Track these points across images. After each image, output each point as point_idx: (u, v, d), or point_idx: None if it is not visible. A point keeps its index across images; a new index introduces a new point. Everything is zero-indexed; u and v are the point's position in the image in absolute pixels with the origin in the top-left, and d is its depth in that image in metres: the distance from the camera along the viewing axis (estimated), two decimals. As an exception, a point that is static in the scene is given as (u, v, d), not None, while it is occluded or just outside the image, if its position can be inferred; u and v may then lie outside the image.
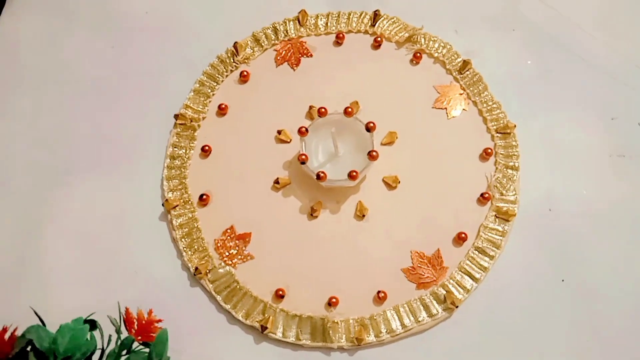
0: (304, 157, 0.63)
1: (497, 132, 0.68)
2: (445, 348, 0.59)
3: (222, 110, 0.71)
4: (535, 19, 0.75)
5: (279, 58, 0.74)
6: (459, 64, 0.72)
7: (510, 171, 0.66)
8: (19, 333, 0.46)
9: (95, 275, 0.63)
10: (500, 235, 0.64)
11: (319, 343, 0.60)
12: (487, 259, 0.63)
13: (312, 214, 0.65)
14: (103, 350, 0.50)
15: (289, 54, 0.74)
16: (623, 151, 0.67)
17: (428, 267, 0.62)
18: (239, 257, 0.64)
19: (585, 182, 0.66)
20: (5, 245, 0.65)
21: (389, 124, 0.68)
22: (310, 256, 0.63)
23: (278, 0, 0.78)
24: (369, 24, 0.75)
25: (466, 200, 0.65)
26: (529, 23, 0.75)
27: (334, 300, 0.61)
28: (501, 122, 0.69)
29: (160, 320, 0.51)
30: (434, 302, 0.61)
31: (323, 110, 0.65)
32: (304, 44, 0.74)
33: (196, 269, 0.62)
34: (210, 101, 0.72)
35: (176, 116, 0.70)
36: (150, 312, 0.52)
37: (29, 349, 0.45)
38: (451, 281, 0.62)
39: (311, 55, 0.74)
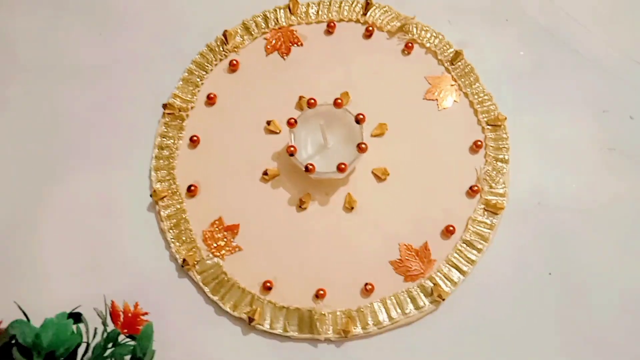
0: (292, 149, 0.62)
1: (488, 124, 0.68)
2: (431, 340, 0.60)
3: (211, 100, 0.70)
4: (530, 10, 0.74)
5: (269, 47, 0.73)
6: (451, 55, 0.71)
7: (500, 164, 0.66)
8: (4, 327, 0.47)
9: (82, 266, 0.63)
10: (489, 229, 0.64)
11: (306, 335, 0.60)
12: (475, 252, 0.63)
13: (301, 205, 0.65)
14: (89, 344, 0.50)
15: (279, 43, 0.73)
16: (614, 145, 0.67)
17: (416, 259, 0.63)
18: (227, 248, 0.64)
19: (575, 175, 0.66)
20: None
21: (379, 115, 0.68)
22: (298, 248, 0.63)
23: (269, -12, 0.76)
24: (361, 12, 0.74)
25: (455, 193, 0.65)
26: (523, 14, 0.74)
27: (321, 292, 0.61)
28: (492, 114, 0.68)
29: (146, 313, 0.52)
30: (421, 294, 0.61)
31: (312, 101, 0.64)
32: (294, 32, 0.73)
33: (184, 260, 0.62)
34: (199, 90, 0.71)
35: (164, 106, 0.69)
36: (136, 305, 0.52)
37: (13, 342, 0.45)
38: (439, 274, 0.62)
39: (302, 44, 0.73)
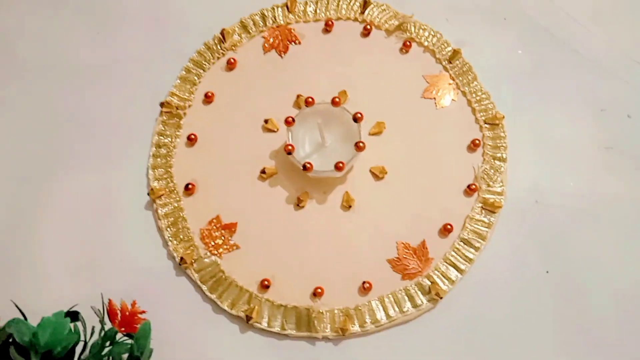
0: (290, 147, 0.62)
1: (486, 123, 0.68)
2: (429, 338, 0.60)
3: (208, 99, 0.70)
4: (528, 9, 0.74)
5: (266, 45, 0.73)
6: (449, 53, 0.71)
7: (497, 162, 0.66)
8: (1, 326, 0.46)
9: (80, 265, 0.63)
10: (486, 227, 0.64)
11: (304, 333, 0.60)
12: (472, 250, 0.63)
13: (299, 204, 0.65)
14: (86, 343, 0.50)
15: (277, 41, 0.73)
16: (612, 143, 0.67)
17: (413, 258, 0.63)
18: (225, 247, 0.64)
19: (572, 174, 0.66)
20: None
21: (377, 114, 0.68)
22: (296, 246, 0.63)
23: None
24: (359, 11, 0.74)
25: (453, 192, 0.65)
26: (522, 13, 0.74)
27: (319, 290, 0.61)
28: (490, 112, 0.68)
29: (143, 312, 0.52)
30: (419, 292, 0.61)
31: (310, 99, 0.64)
32: (292, 31, 0.73)
33: (182, 258, 0.62)
34: (196, 89, 0.71)
35: (162, 104, 0.69)
36: (133, 304, 0.52)
37: (10, 341, 0.45)
38: (436, 272, 0.62)
39: (299, 43, 0.73)
